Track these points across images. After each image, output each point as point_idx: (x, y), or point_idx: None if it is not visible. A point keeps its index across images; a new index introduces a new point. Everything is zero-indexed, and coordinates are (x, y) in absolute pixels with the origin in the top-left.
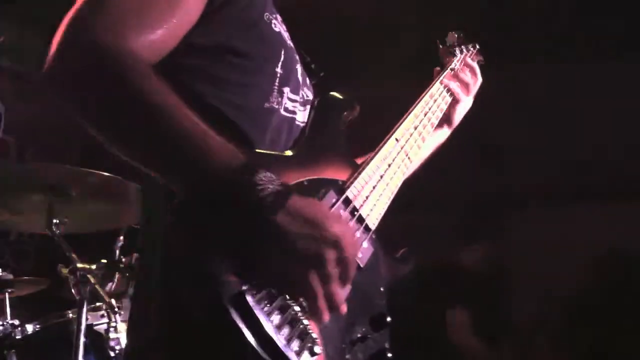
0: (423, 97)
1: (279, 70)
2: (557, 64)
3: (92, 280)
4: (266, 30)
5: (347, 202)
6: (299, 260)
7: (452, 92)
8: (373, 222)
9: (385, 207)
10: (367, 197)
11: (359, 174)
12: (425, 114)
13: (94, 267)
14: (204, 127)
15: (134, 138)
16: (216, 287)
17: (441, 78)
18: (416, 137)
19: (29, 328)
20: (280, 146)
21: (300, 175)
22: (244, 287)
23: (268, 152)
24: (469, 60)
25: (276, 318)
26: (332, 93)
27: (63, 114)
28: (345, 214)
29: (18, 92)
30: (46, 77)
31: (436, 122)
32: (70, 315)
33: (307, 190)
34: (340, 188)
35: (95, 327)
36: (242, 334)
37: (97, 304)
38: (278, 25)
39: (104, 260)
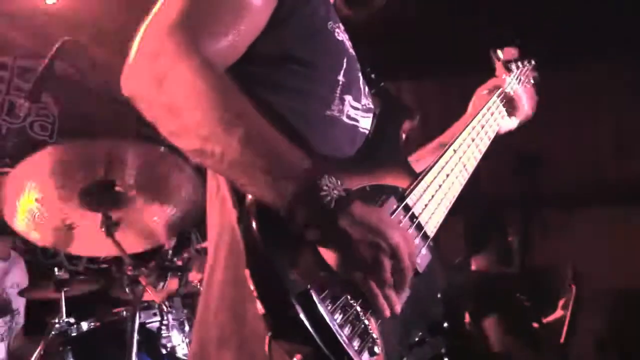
0: (481, 110)
1: (340, 78)
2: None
3: (145, 280)
4: (329, 38)
5: (407, 209)
6: (359, 265)
7: (507, 107)
8: (431, 229)
9: (443, 215)
10: (425, 205)
11: (419, 182)
12: (482, 127)
13: (146, 268)
14: (275, 131)
15: (210, 141)
16: (284, 284)
17: (498, 92)
18: (473, 149)
19: (84, 326)
20: (343, 153)
21: (363, 180)
22: (309, 286)
23: (332, 157)
24: (524, 77)
25: (339, 317)
26: (393, 102)
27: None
28: (405, 220)
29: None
30: (126, 84)
31: (492, 136)
32: (124, 313)
33: (369, 196)
34: (401, 195)
35: (148, 326)
36: (307, 329)
37: (150, 302)
38: (341, 34)
39: (155, 262)
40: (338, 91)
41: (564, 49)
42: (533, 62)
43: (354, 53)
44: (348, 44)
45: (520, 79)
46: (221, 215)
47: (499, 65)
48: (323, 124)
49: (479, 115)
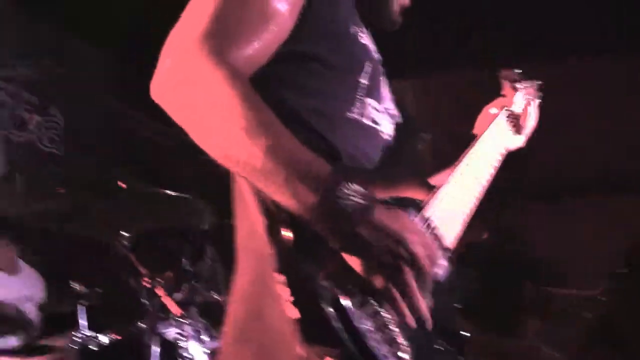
0: (490, 125)
1: (362, 80)
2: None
3: (161, 291)
4: (351, 41)
5: (425, 220)
6: (380, 272)
7: (514, 125)
8: (450, 241)
9: (460, 228)
10: (443, 218)
11: (436, 195)
12: (492, 141)
13: (162, 278)
14: (296, 141)
15: (235, 150)
16: (316, 291)
17: (505, 110)
18: (486, 164)
19: (103, 338)
20: (366, 155)
21: (383, 192)
22: (339, 292)
23: (356, 162)
24: (530, 96)
25: (368, 323)
26: (410, 115)
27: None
28: (403, 214)
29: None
30: (155, 91)
31: (503, 152)
32: (142, 324)
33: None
34: (419, 208)
35: (166, 336)
36: (339, 335)
37: (167, 313)
38: (365, 38)
39: (171, 272)
40: (359, 93)
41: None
42: (538, 83)
43: (379, 58)
44: (372, 47)
45: (526, 98)
46: (246, 219)
47: (506, 85)
48: (345, 125)
49: (489, 131)
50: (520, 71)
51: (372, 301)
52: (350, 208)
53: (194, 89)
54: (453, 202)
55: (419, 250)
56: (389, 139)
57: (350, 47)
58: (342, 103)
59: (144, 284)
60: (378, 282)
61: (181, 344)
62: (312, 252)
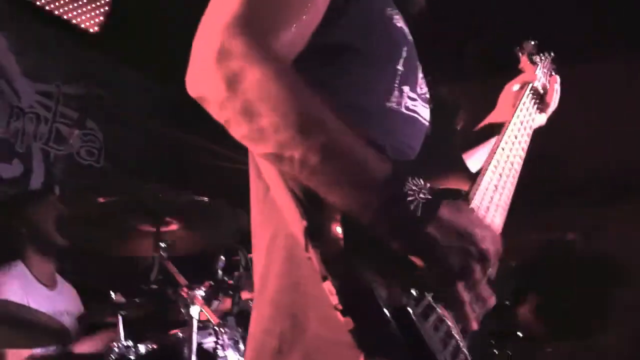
0: (518, 105)
1: (400, 67)
2: None
3: (199, 301)
4: (388, 26)
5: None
6: (450, 272)
7: (537, 103)
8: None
9: (503, 218)
10: (487, 208)
11: (478, 184)
12: (522, 123)
13: (200, 288)
14: (353, 136)
15: (289, 147)
16: (376, 299)
17: (529, 87)
18: (518, 147)
19: (142, 348)
20: (407, 145)
21: (429, 183)
22: (404, 300)
23: (400, 153)
24: (547, 69)
25: (433, 333)
26: (446, 95)
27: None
28: (469, 208)
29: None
30: (192, 85)
31: (530, 132)
32: (180, 334)
33: None
34: (465, 199)
35: (204, 346)
36: (405, 347)
37: (205, 323)
38: (400, 21)
39: (209, 282)
40: (397, 81)
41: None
42: (552, 54)
43: (412, 40)
44: (407, 30)
45: (544, 72)
46: (273, 219)
47: (523, 60)
48: (385, 116)
49: (517, 112)
50: (536, 42)
51: (436, 308)
52: (417, 207)
53: (239, 84)
54: (495, 191)
55: (489, 246)
56: (427, 124)
57: (387, 32)
58: (381, 93)
59: (183, 294)
60: (445, 283)
61: (219, 353)
62: (367, 253)
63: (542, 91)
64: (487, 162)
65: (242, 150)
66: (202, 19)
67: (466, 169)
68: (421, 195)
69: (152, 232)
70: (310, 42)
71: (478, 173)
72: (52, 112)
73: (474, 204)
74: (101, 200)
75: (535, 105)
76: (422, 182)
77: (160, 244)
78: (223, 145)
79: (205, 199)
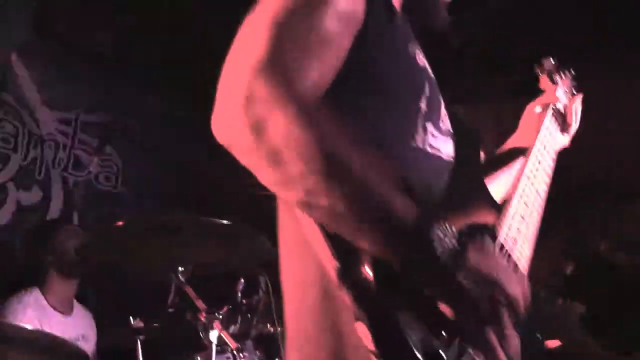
0: (541, 129)
1: (423, 105)
2: None
3: (218, 326)
4: (411, 65)
5: (502, 248)
6: (480, 317)
7: (559, 123)
8: (524, 266)
9: (531, 248)
10: (515, 240)
11: (505, 216)
12: (545, 147)
13: (219, 312)
14: (381, 180)
15: (316, 194)
16: (409, 343)
17: (551, 109)
18: (542, 173)
19: None
20: (431, 185)
21: (457, 220)
22: (436, 345)
23: (425, 192)
24: (567, 88)
25: None
26: (467, 122)
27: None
28: (496, 253)
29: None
30: (218, 130)
31: (554, 157)
32: (199, 358)
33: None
34: (493, 233)
35: None
36: None
37: (223, 346)
38: (422, 58)
39: (228, 306)
40: (420, 120)
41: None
42: (572, 71)
43: (434, 77)
44: (428, 67)
45: (564, 91)
46: (307, 253)
47: (543, 79)
48: (408, 155)
49: (540, 136)
50: (556, 61)
51: (468, 350)
52: (445, 254)
53: (266, 131)
54: (521, 221)
55: (516, 292)
56: (451, 160)
57: (410, 70)
58: (404, 133)
59: (201, 318)
60: (474, 328)
61: None
62: (398, 297)
63: (563, 112)
64: (513, 191)
65: None
66: (227, 59)
67: (491, 199)
68: (449, 242)
69: (171, 256)
70: (334, 80)
71: (504, 203)
72: (70, 138)
73: (501, 237)
74: (120, 224)
75: (558, 127)
76: (450, 228)
77: (180, 268)
78: (244, 171)
79: (225, 222)
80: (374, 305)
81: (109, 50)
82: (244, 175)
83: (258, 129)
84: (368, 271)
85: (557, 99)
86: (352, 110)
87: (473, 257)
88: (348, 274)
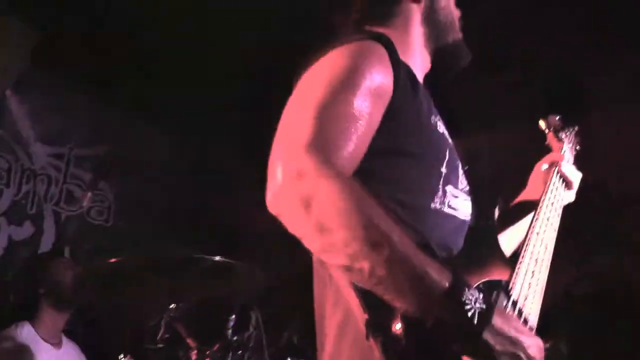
0: (548, 187)
1: (443, 169)
2: None
3: None
4: (433, 133)
5: (514, 304)
6: None
7: (566, 180)
8: (534, 321)
9: (540, 305)
10: (526, 297)
11: (517, 273)
12: (552, 204)
13: (210, 350)
14: (415, 248)
15: (358, 260)
16: None
17: (558, 168)
18: (550, 230)
19: None
20: (450, 245)
21: (474, 278)
22: None
23: (446, 251)
24: (572, 145)
25: None
26: (480, 185)
27: None
28: (515, 317)
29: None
30: (272, 204)
31: (560, 212)
32: None
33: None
34: (506, 290)
35: None
36: None
37: None
38: (442, 127)
39: (219, 343)
40: (441, 183)
41: None
42: (577, 128)
43: (452, 142)
44: (447, 134)
45: (569, 147)
46: (342, 303)
47: (550, 136)
48: (430, 217)
49: (548, 194)
50: (561, 117)
51: None
52: (474, 315)
53: (314, 203)
54: (532, 277)
55: (535, 353)
56: (468, 219)
57: (433, 137)
58: (427, 195)
59: (192, 356)
60: None
61: None
62: (427, 352)
63: (570, 170)
64: (524, 248)
65: (261, 209)
66: (276, 139)
67: (503, 256)
68: (477, 305)
69: (163, 292)
70: (370, 146)
71: (515, 258)
72: (62, 173)
73: (515, 294)
74: (112, 260)
75: (564, 184)
76: (477, 293)
77: (171, 306)
78: (241, 204)
79: (218, 257)
80: (403, 359)
81: (107, 83)
82: (239, 209)
83: (307, 201)
84: (398, 326)
85: (562, 157)
86: (382, 171)
87: (498, 319)
88: (379, 327)
